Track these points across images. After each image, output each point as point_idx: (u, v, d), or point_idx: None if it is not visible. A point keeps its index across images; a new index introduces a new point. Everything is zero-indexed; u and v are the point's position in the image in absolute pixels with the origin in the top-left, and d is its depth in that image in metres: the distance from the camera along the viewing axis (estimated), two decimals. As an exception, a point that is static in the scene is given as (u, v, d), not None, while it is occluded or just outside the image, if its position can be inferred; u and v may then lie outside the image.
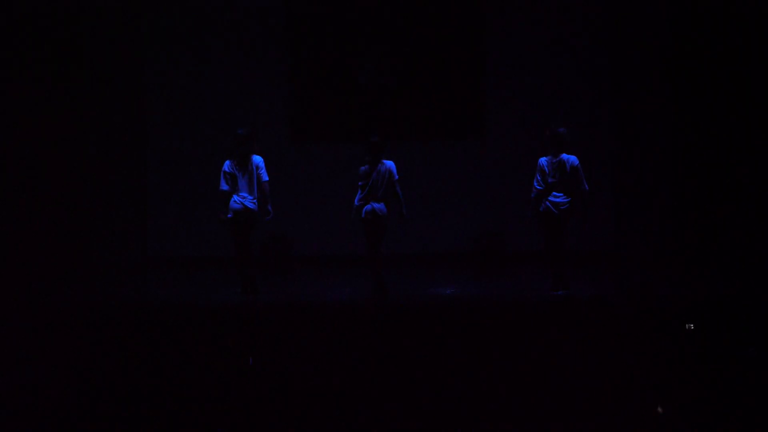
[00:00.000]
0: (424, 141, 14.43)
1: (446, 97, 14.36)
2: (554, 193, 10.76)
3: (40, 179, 14.22)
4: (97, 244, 14.46)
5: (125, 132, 14.45)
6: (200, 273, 13.44)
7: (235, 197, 10.87)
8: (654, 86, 14.29)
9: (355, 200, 10.98)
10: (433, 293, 11.12)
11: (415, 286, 11.76)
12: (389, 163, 10.95)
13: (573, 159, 10.77)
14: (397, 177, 10.95)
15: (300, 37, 14.37)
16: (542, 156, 10.86)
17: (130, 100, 14.43)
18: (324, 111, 14.41)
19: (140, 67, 14.37)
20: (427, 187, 14.39)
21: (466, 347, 7.87)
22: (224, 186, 10.84)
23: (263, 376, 7.34)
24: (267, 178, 10.96)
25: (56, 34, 14.12)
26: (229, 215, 10.86)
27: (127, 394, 6.82)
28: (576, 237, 13.12)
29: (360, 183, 10.91)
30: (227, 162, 10.91)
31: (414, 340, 8.18)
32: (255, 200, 10.95)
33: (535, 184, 10.79)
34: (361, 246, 11.36)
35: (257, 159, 10.96)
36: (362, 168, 10.94)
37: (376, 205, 10.87)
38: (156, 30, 14.33)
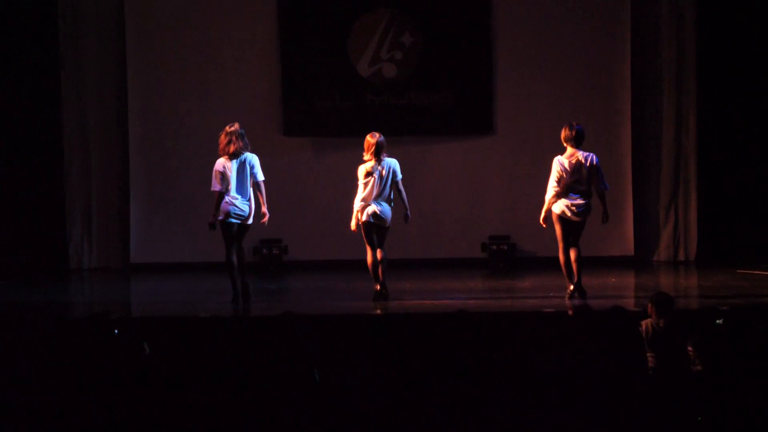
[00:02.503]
0: (427, 137, 14.35)
1: (452, 88, 14.25)
2: (571, 194, 10.67)
3: (13, 181, 14.19)
4: (76, 249, 14.38)
5: (102, 128, 14.36)
6: (187, 281, 13.38)
7: (226, 198, 10.79)
8: (678, 80, 14.19)
9: (355, 201, 10.86)
10: (439, 301, 11.04)
11: (419, 293, 11.68)
12: (391, 162, 10.85)
13: (593, 156, 10.70)
14: (400, 176, 10.85)
15: (293, 24, 14.26)
16: (557, 154, 10.78)
17: (108, 92, 14.38)
18: (320, 104, 14.30)
19: (121, 63, 14.28)
20: (432, 187, 14.29)
21: (475, 360, 7.80)
22: (216, 186, 10.75)
23: (255, 392, 7.29)
24: (263, 178, 10.91)
25: (28, 28, 14.19)
26: (219, 217, 10.76)
27: (103, 411, 6.74)
28: (593, 242, 13.06)
29: (361, 183, 10.79)
30: (219, 161, 10.82)
31: (419, 351, 8.11)
32: (248, 201, 10.85)
33: (552, 183, 10.67)
34: (361, 250, 11.25)
35: (251, 157, 10.89)
36: (362, 167, 10.82)
37: (377, 207, 10.79)
38: (139, 23, 14.25)
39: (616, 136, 14.26)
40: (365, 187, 10.83)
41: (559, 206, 10.74)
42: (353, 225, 10.94)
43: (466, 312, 8.64)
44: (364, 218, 10.83)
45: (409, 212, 10.94)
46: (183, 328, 9.55)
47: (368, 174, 10.81)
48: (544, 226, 10.94)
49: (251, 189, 10.90)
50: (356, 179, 10.93)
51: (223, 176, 10.79)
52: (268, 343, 8.31)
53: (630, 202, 14.31)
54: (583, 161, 10.69)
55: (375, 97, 14.34)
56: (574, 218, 10.74)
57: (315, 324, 9.03)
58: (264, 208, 10.95)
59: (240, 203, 10.83)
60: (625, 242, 14.30)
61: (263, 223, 11.04)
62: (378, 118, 14.07)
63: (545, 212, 10.82)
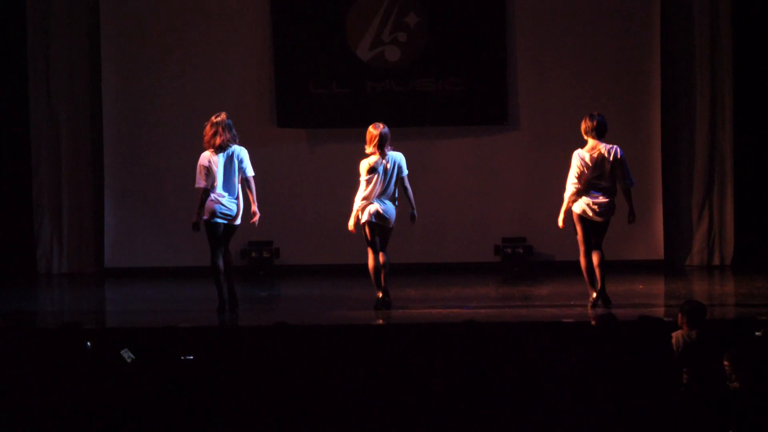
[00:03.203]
0: (434, 128, 14.38)
1: (462, 74, 14.27)
2: (593, 191, 10.68)
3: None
4: (45, 252, 14.45)
5: (73, 122, 14.44)
6: (167, 287, 13.41)
7: (211, 196, 10.83)
8: (712, 70, 14.21)
9: (356, 199, 10.87)
10: (446, 309, 11.03)
11: (425, 301, 11.68)
12: (397, 155, 10.87)
13: (616, 149, 10.71)
14: (406, 172, 10.86)
15: (285, 3, 14.27)
16: (579, 147, 10.79)
17: (80, 82, 14.44)
18: (315, 92, 14.32)
19: (95, 51, 14.32)
20: (439, 184, 14.31)
21: (486, 376, 7.81)
22: (201, 182, 10.77)
23: (243, 411, 7.30)
24: (252, 173, 10.94)
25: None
26: (204, 217, 10.77)
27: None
28: (618, 244, 13.06)
29: (363, 179, 10.79)
30: (204, 154, 10.82)
31: (425, 365, 8.11)
32: (236, 199, 10.88)
33: (571, 179, 10.68)
34: (361, 254, 11.25)
35: (239, 151, 10.92)
36: (365, 161, 10.83)
37: (381, 206, 10.82)
38: (113, 5, 14.28)
39: (645, 128, 14.25)
40: (368, 184, 10.85)
41: (580, 205, 10.75)
42: (351, 225, 10.95)
43: (477, 322, 8.64)
44: (365, 218, 10.85)
45: (415, 212, 10.97)
46: (163, 340, 9.57)
47: (371, 169, 10.82)
48: (561, 227, 10.94)
49: (239, 185, 10.92)
50: (357, 175, 10.96)
51: (209, 171, 10.82)
52: (258, 357, 8.32)
53: (659, 201, 14.31)
54: (605, 154, 10.70)
55: (376, 84, 14.35)
56: (597, 218, 10.75)
57: (310, 335, 9.04)
58: (254, 207, 10.97)
59: (227, 201, 10.85)
60: (654, 245, 14.31)
61: (253, 223, 11.06)
62: (379, 107, 14.08)
63: (564, 212, 10.84)
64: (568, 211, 10.83)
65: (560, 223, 10.92)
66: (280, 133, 14.43)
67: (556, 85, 14.31)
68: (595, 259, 10.79)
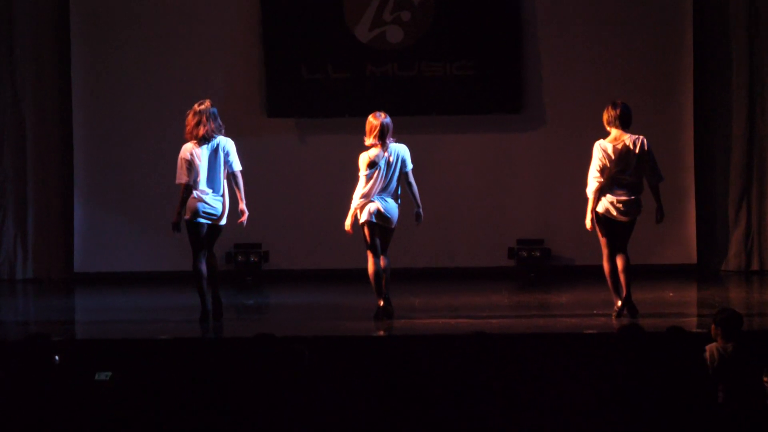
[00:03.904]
0: (441, 117, 14.40)
1: (471, 56, 14.30)
2: (616, 188, 10.69)
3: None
4: (8, 257, 14.50)
5: (40, 115, 14.48)
6: (144, 295, 13.44)
7: (194, 193, 10.87)
8: (750, 55, 14.24)
9: (354, 197, 10.90)
10: (454, 319, 11.05)
11: (431, 310, 11.70)
12: (400, 148, 10.90)
13: (642, 140, 10.70)
14: (410, 166, 10.91)
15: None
16: (602, 138, 10.80)
17: (47, 72, 14.47)
18: (309, 77, 14.34)
19: (64, 38, 14.38)
20: (446, 179, 14.34)
21: (499, 393, 7.82)
22: (182, 177, 10.80)
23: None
24: (240, 168, 10.98)
25: None
26: (186, 216, 10.81)
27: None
28: (646, 247, 13.07)
29: (363, 174, 10.81)
30: (186, 146, 10.86)
31: (431, 381, 8.13)
32: (221, 197, 10.93)
33: (593, 173, 10.70)
34: (359, 258, 11.27)
35: (225, 142, 10.94)
36: (364, 155, 10.85)
37: (382, 204, 10.84)
38: None
39: (675, 118, 14.28)
40: (367, 180, 10.85)
41: (602, 204, 10.73)
42: (348, 225, 10.95)
43: (488, 334, 8.65)
44: (364, 218, 10.85)
45: (421, 210, 10.98)
46: (140, 352, 9.58)
47: (372, 163, 10.83)
48: (590, 229, 10.90)
49: (225, 181, 10.93)
50: (355, 170, 10.97)
51: (191, 165, 10.81)
52: (243, 371, 8.34)
53: (692, 199, 14.33)
54: (631, 146, 10.69)
55: (377, 69, 14.37)
56: (621, 218, 10.74)
57: (303, 348, 9.05)
58: (242, 205, 10.98)
59: (211, 199, 10.86)
60: (686, 248, 14.33)
61: (241, 222, 11.07)
62: (380, 93, 14.12)
63: (591, 211, 10.80)
64: (592, 210, 10.81)
65: (588, 224, 10.87)
66: (270, 123, 14.45)
67: (578, 68, 14.32)
68: (619, 263, 10.78)
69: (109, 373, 8.49)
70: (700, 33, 14.27)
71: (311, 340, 9.76)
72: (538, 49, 14.38)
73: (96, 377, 8.46)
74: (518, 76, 14.34)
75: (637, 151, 10.70)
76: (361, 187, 10.89)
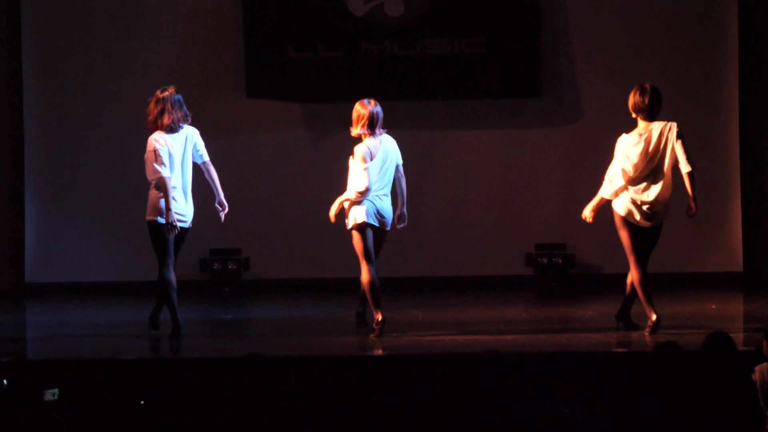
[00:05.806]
0: (447, 102, 14.45)
1: (482, 32, 14.35)
2: (640, 186, 10.70)
3: None
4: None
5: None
6: (103, 308, 13.47)
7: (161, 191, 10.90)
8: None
9: (346, 193, 10.94)
10: (463, 336, 11.10)
11: (436, 326, 11.75)
12: (392, 140, 10.97)
13: (671, 125, 10.65)
14: (401, 160, 11.04)
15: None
16: (632, 128, 10.85)
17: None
18: (296, 55, 14.38)
19: (14, 24, 14.47)
20: (454, 176, 14.39)
21: (515, 419, 7.84)
22: (161, 170, 10.82)
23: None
24: (208, 158, 11.13)
25: None
26: (154, 218, 10.88)
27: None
28: (686, 253, 13.10)
29: (362, 168, 10.83)
30: (157, 135, 10.90)
31: (437, 406, 8.15)
32: (190, 195, 11.05)
33: (610, 175, 10.77)
34: (350, 265, 11.30)
35: (193, 133, 11.05)
36: (362, 146, 10.90)
37: (379, 203, 10.93)
38: None
39: (718, 111, 14.36)
40: (362, 175, 10.87)
41: (624, 204, 10.71)
42: (333, 213, 10.94)
43: (502, 353, 8.68)
44: (362, 218, 10.88)
45: (405, 210, 11.09)
46: (99, 375, 9.60)
47: (370, 156, 10.86)
48: (589, 221, 10.93)
49: (190, 176, 10.99)
50: (347, 164, 11.00)
51: (168, 155, 10.82)
52: (222, 396, 8.37)
53: (737, 201, 14.40)
54: (659, 141, 10.61)
55: (373, 46, 14.42)
56: (645, 222, 10.72)
57: (291, 368, 9.08)
58: (220, 196, 11.09)
59: (180, 197, 10.91)
60: (731, 253, 14.39)
61: (221, 216, 11.11)
62: (377, 74, 14.18)
63: (595, 205, 10.84)
64: (599, 203, 10.83)
65: (587, 214, 10.90)
66: (250, 106, 14.45)
67: (607, 46, 14.38)
68: (632, 276, 10.84)
69: (56, 390, 8.51)
70: (746, 14, 14.32)
71: (298, 360, 9.81)
72: (561, 23, 14.43)
73: (44, 397, 8.48)
74: (537, 54, 14.39)
75: (664, 139, 10.67)
76: (357, 184, 10.88)
